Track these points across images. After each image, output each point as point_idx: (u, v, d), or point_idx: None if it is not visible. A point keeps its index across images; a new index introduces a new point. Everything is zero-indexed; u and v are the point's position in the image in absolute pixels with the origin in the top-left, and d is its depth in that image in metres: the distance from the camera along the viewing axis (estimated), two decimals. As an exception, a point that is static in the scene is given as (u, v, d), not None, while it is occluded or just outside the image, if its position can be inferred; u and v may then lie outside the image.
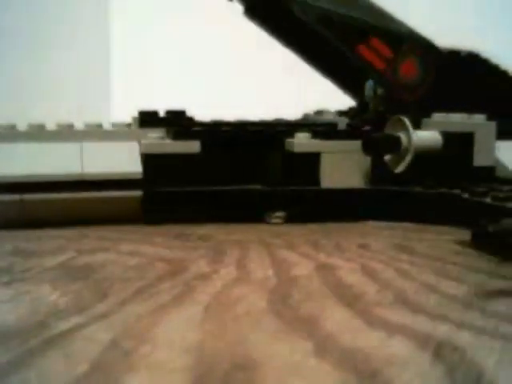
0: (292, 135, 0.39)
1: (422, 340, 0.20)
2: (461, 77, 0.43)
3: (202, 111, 0.42)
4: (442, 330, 0.21)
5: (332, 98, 0.48)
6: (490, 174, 0.40)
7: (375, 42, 0.41)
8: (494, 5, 0.96)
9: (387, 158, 0.39)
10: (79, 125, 0.40)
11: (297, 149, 0.39)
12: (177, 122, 0.40)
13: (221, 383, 0.17)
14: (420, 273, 0.28)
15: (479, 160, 0.40)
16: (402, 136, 0.38)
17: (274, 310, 0.23)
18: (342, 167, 0.39)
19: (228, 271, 0.28)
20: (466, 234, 0.34)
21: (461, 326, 0.21)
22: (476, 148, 0.40)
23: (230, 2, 0.43)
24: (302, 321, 0.22)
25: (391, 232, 0.37)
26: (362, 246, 0.33)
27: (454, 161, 0.39)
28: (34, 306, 0.23)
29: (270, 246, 0.33)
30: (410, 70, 0.42)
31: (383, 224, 0.38)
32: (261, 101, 0.71)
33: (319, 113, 0.48)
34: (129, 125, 0.41)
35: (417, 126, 0.40)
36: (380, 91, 0.43)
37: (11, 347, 0.19)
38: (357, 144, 0.39)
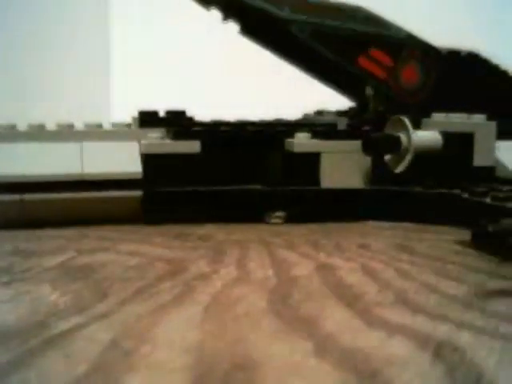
0: (292, 135, 0.39)
1: (422, 340, 0.20)
2: (461, 77, 0.43)
3: (202, 111, 0.42)
4: (442, 330, 0.21)
5: (332, 98, 0.48)
6: (489, 173, 0.40)
7: (375, 51, 0.41)
8: (494, 5, 0.96)
9: (387, 158, 0.39)
10: (79, 125, 0.40)
11: (297, 149, 0.39)
12: (177, 122, 0.40)
13: (221, 383, 0.17)
14: (420, 273, 0.28)
15: (479, 160, 0.40)
16: (402, 136, 0.38)
17: (274, 310, 0.23)
18: (342, 167, 0.39)
19: (228, 271, 0.28)
20: (466, 234, 0.34)
21: (461, 326, 0.21)
22: (476, 148, 0.40)
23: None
24: (302, 321, 0.22)
25: (391, 232, 0.37)
26: (362, 246, 0.33)
27: (453, 161, 0.39)
28: (34, 305, 0.23)
29: (270, 245, 0.33)
30: (411, 75, 0.42)
31: (383, 224, 0.38)
32: (261, 101, 0.71)
33: (319, 113, 0.48)
34: (129, 125, 0.41)
35: (417, 126, 0.40)
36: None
37: (11, 347, 0.19)
38: (357, 144, 0.39)
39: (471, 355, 0.19)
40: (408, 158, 0.38)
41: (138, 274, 0.27)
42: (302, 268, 0.28)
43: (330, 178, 0.39)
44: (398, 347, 0.19)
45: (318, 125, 0.42)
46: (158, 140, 0.39)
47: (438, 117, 0.41)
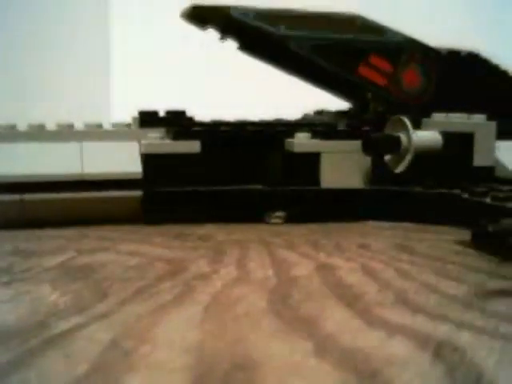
0: (292, 135, 0.39)
1: (422, 340, 0.20)
2: (461, 77, 0.43)
3: (202, 111, 0.42)
4: (442, 330, 0.21)
5: (332, 98, 0.48)
6: (489, 174, 0.40)
7: (374, 59, 0.41)
8: (494, 5, 0.96)
9: (387, 158, 0.39)
10: (79, 125, 0.40)
11: (297, 149, 0.39)
12: (177, 122, 0.40)
13: (221, 383, 0.17)
14: (420, 273, 0.28)
15: (479, 160, 0.40)
16: (402, 136, 0.38)
17: (274, 310, 0.23)
18: (342, 167, 0.39)
19: (228, 271, 0.28)
20: (466, 234, 0.34)
21: (461, 326, 0.21)
22: (476, 148, 0.40)
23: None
24: (301, 321, 0.22)
25: (391, 232, 0.37)
26: (362, 246, 0.33)
27: (453, 161, 0.39)
28: (34, 305, 0.23)
29: (270, 245, 0.33)
30: (412, 78, 0.42)
31: (383, 224, 0.38)
32: (261, 101, 0.71)
33: (319, 113, 0.48)
34: (129, 125, 0.41)
35: (417, 126, 0.40)
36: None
37: (11, 347, 0.19)
38: (357, 144, 0.39)
39: (471, 355, 0.19)
40: (408, 157, 0.38)
41: (137, 273, 0.27)
42: (302, 268, 0.28)
43: (329, 178, 0.39)
44: (398, 347, 0.19)
45: (318, 125, 0.42)
46: (157, 140, 0.39)
47: (438, 117, 0.41)
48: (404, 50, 0.42)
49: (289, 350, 0.19)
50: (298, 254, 0.31)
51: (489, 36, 0.85)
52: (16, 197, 0.36)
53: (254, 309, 0.23)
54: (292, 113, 0.46)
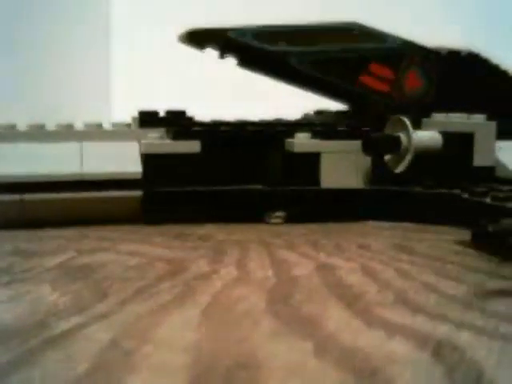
0: (292, 135, 0.39)
1: (421, 340, 0.20)
2: (461, 77, 0.43)
3: (202, 111, 0.42)
4: (441, 330, 0.21)
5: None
6: (489, 174, 0.40)
7: (375, 67, 0.41)
8: (494, 5, 0.96)
9: (387, 158, 0.39)
10: (79, 125, 0.40)
11: (297, 149, 0.39)
12: (177, 122, 0.40)
13: (221, 383, 0.17)
14: (420, 273, 0.28)
15: (479, 160, 0.40)
16: (402, 136, 0.38)
17: (274, 310, 0.23)
18: (342, 167, 0.39)
19: (228, 271, 0.28)
20: (466, 234, 0.34)
21: (460, 325, 0.21)
22: (476, 148, 0.40)
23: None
24: (302, 321, 0.22)
25: (391, 232, 0.37)
26: (362, 246, 0.33)
27: (453, 161, 0.39)
28: (34, 306, 0.23)
29: (270, 246, 0.33)
30: (414, 81, 0.42)
31: (383, 224, 0.38)
32: (261, 101, 0.71)
33: (319, 113, 0.48)
34: (129, 125, 0.41)
35: (417, 126, 0.40)
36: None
37: (11, 347, 0.19)
38: (357, 144, 0.39)
39: (471, 355, 0.19)
40: (408, 158, 0.38)
41: (138, 273, 0.27)
42: (302, 268, 0.28)
43: (329, 178, 0.39)
44: (398, 347, 0.19)
45: (318, 125, 0.42)
46: (157, 140, 0.39)
47: (438, 117, 0.41)
48: (404, 55, 0.42)
49: (289, 350, 0.19)
50: (298, 254, 0.31)
51: (489, 36, 0.85)
52: (16, 197, 0.36)
53: (254, 309, 0.23)
54: (292, 113, 0.46)
